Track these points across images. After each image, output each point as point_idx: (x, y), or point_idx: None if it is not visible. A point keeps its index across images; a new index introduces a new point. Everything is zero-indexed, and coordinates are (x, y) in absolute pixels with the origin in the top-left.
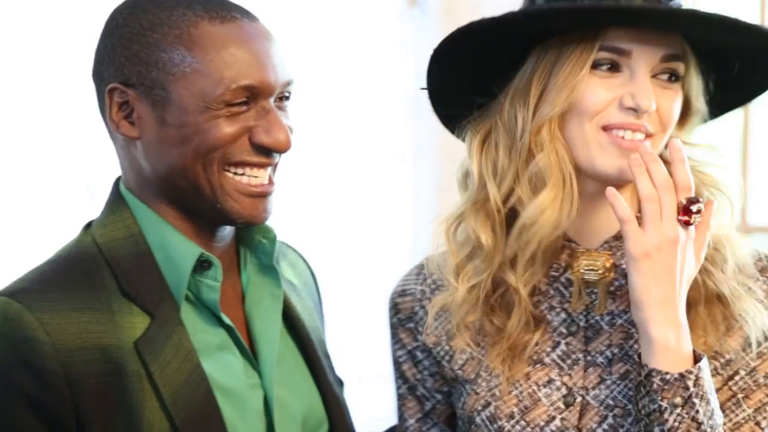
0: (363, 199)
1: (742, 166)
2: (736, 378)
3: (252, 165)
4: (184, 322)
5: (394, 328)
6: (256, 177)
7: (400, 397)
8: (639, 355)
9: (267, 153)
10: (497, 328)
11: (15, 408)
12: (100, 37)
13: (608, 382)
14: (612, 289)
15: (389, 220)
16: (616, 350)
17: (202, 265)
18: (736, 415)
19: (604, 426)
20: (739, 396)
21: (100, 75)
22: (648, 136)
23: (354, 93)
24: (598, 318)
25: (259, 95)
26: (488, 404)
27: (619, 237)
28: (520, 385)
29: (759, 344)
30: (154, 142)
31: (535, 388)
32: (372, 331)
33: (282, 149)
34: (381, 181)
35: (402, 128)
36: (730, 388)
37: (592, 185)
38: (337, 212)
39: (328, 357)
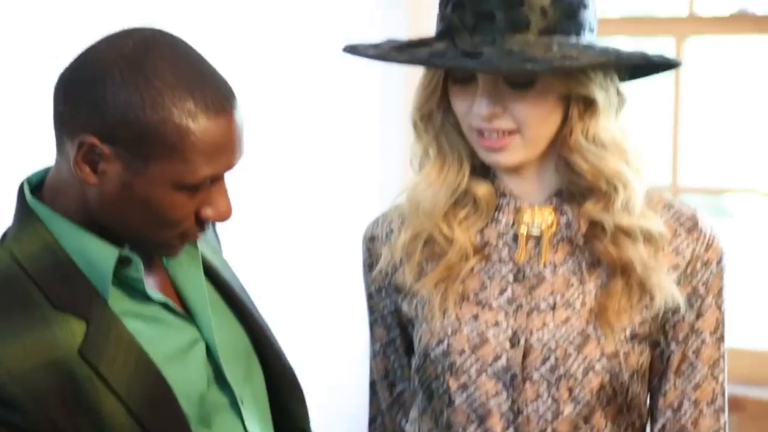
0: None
1: (673, 127)
2: (687, 341)
3: (192, 234)
4: (117, 309)
5: (365, 267)
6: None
7: (370, 324)
8: (580, 302)
9: (207, 224)
10: (436, 257)
11: None
12: (82, 75)
13: (551, 326)
14: (554, 241)
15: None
16: (558, 297)
17: (122, 262)
18: (695, 376)
19: (547, 365)
20: (692, 358)
21: (76, 113)
22: (510, 132)
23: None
24: (542, 268)
25: (220, 177)
26: (441, 341)
27: (559, 194)
28: (470, 324)
29: (698, 301)
30: (112, 196)
31: (483, 328)
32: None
33: (225, 221)
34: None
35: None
36: (682, 352)
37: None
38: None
39: (243, 290)
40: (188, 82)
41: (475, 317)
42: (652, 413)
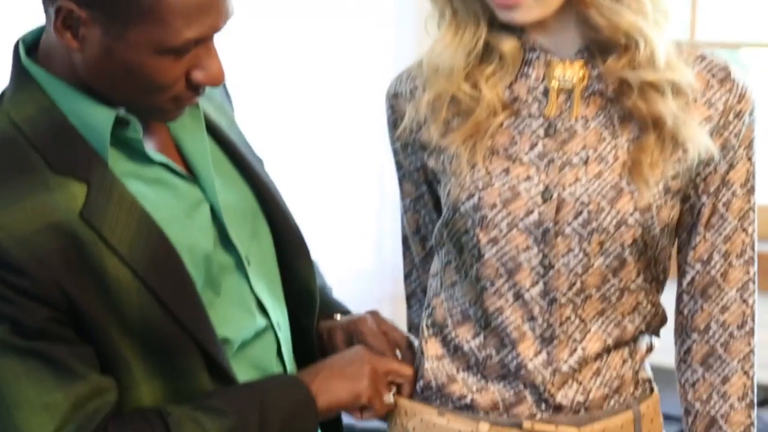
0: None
1: None
2: (718, 194)
3: (187, 99)
4: (118, 172)
5: (389, 124)
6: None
7: (399, 181)
8: (612, 156)
9: (201, 88)
10: (464, 114)
11: (18, 305)
12: None
13: (583, 180)
14: (586, 95)
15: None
16: (590, 152)
17: (120, 123)
18: (725, 228)
19: (579, 220)
20: (722, 210)
21: None
22: None
23: None
24: (573, 122)
25: (207, 39)
26: (472, 195)
27: (589, 47)
28: (502, 179)
29: (729, 153)
30: (96, 62)
31: (515, 182)
32: None
33: (218, 84)
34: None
35: None
36: (713, 205)
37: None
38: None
39: (250, 150)
40: None
41: (506, 171)
42: (680, 267)
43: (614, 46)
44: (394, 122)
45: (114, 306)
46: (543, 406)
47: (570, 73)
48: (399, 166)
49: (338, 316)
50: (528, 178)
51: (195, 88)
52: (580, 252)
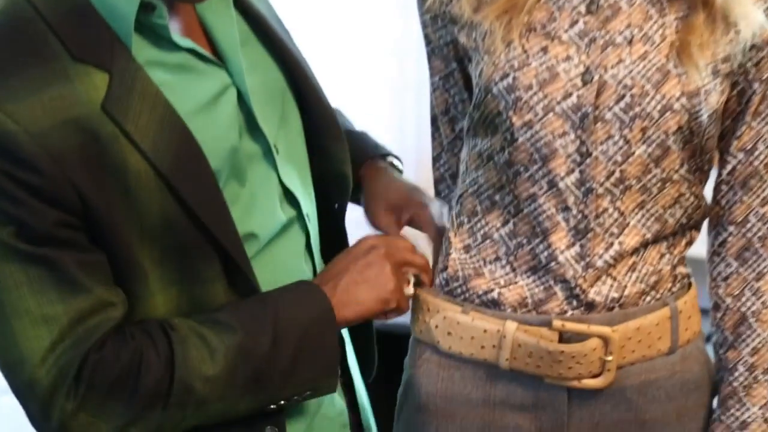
0: None
1: None
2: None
3: None
4: (141, 60)
5: None
6: None
7: (428, 56)
8: (659, 36)
9: None
10: None
11: (26, 206)
12: None
13: (627, 62)
14: None
15: None
16: (635, 31)
17: (144, 8)
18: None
19: (621, 105)
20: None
21: None
22: None
23: None
24: None
25: None
26: (506, 75)
27: None
28: (539, 58)
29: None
30: None
31: (554, 62)
32: None
33: None
34: None
35: None
36: (764, 92)
37: None
38: None
39: (280, 23)
40: None
41: (544, 50)
42: (722, 156)
43: None
44: None
45: (134, 206)
46: (574, 302)
47: None
48: (428, 40)
49: (388, 162)
50: (567, 58)
51: None
52: (621, 139)
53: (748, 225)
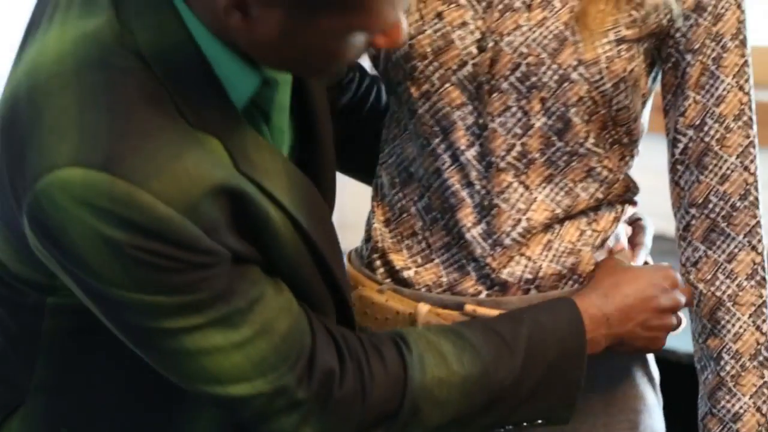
0: None
1: None
2: (705, 49)
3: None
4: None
5: None
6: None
7: None
8: (560, 2)
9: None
10: None
11: (197, 278)
12: None
13: (524, 28)
14: None
15: None
16: None
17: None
18: (717, 88)
19: (517, 74)
20: (712, 68)
21: None
22: None
23: None
24: None
25: None
26: (404, 42)
27: None
28: (434, 25)
29: (708, 5)
30: (267, 40)
31: (449, 29)
32: None
33: (400, 47)
34: None
35: None
36: (701, 62)
37: None
38: None
39: None
40: None
41: (440, 16)
42: (669, 134)
43: None
44: None
45: (273, 260)
46: (488, 283)
47: None
48: None
49: None
50: (463, 24)
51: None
52: (519, 110)
53: (710, 206)
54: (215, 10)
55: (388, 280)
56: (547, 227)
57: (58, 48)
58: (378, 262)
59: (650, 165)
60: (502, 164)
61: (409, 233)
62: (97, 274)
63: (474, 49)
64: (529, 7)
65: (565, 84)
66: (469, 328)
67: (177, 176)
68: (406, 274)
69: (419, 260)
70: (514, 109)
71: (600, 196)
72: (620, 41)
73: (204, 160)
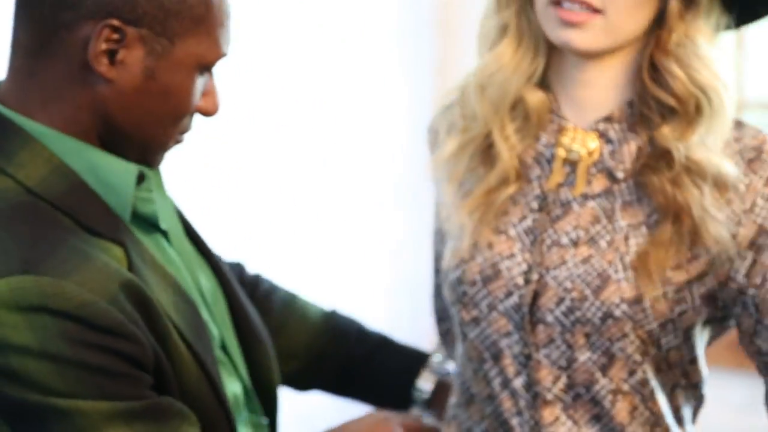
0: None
1: (737, 38)
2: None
3: (186, 130)
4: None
5: (429, 152)
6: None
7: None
8: (606, 241)
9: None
10: (478, 177)
11: (122, 372)
12: None
13: (569, 264)
14: (593, 171)
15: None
16: (581, 233)
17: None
18: None
19: (562, 308)
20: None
21: None
22: (595, 10)
23: None
24: (570, 198)
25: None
26: (458, 266)
27: (609, 119)
28: (485, 253)
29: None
30: (128, 90)
31: (498, 259)
32: None
33: (213, 115)
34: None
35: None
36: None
37: (572, 59)
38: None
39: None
40: None
41: (490, 245)
42: (757, 363)
43: (672, 111)
44: (432, 152)
45: (175, 374)
46: None
47: (578, 144)
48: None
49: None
50: (511, 255)
51: (191, 119)
52: (563, 343)
53: None
54: (56, 95)
55: None
56: None
57: None
58: None
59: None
60: (549, 396)
61: None
62: (29, 383)
63: (520, 280)
64: (575, 244)
65: (609, 320)
66: None
67: (92, 272)
68: None
69: None
70: (558, 342)
71: None
72: (666, 283)
73: (110, 262)
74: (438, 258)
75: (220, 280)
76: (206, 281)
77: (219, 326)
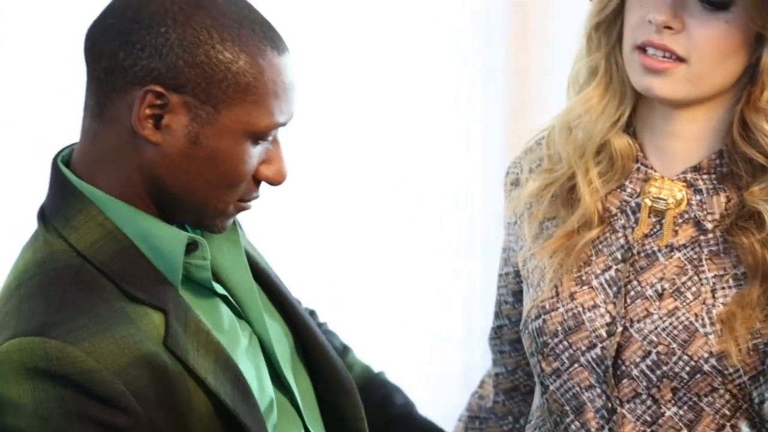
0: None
1: None
2: None
3: (248, 200)
4: (186, 299)
5: (505, 193)
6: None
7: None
8: (692, 293)
9: (261, 185)
10: (560, 219)
11: None
12: (136, 20)
13: (654, 316)
14: (679, 221)
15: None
16: (667, 285)
17: (188, 248)
18: None
19: (647, 362)
20: None
21: (133, 62)
22: (678, 59)
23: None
24: (656, 248)
25: (279, 129)
26: (538, 316)
27: (698, 169)
28: (567, 303)
29: None
30: (174, 155)
31: (580, 309)
32: None
33: (281, 183)
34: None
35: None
36: None
37: (660, 108)
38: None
39: (280, 280)
40: (251, 20)
41: (572, 296)
42: None
43: (763, 171)
44: (509, 192)
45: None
46: None
47: (666, 192)
48: (504, 244)
49: None
50: (594, 306)
51: (257, 187)
52: (649, 398)
53: None
54: (112, 161)
55: None
56: None
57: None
58: None
59: None
60: None
61: None
62: None
63: (603, 332)
64: (660, 296)
65: (698, 375)
66: None
67: (105, 342)
68: None
69: None
70: (644, 396)
71: None
72: (755, 335)
73: (132, 334)
74: (500, 302)
75: (295, 328)
76: (277, 329)
77: (292, 379)
